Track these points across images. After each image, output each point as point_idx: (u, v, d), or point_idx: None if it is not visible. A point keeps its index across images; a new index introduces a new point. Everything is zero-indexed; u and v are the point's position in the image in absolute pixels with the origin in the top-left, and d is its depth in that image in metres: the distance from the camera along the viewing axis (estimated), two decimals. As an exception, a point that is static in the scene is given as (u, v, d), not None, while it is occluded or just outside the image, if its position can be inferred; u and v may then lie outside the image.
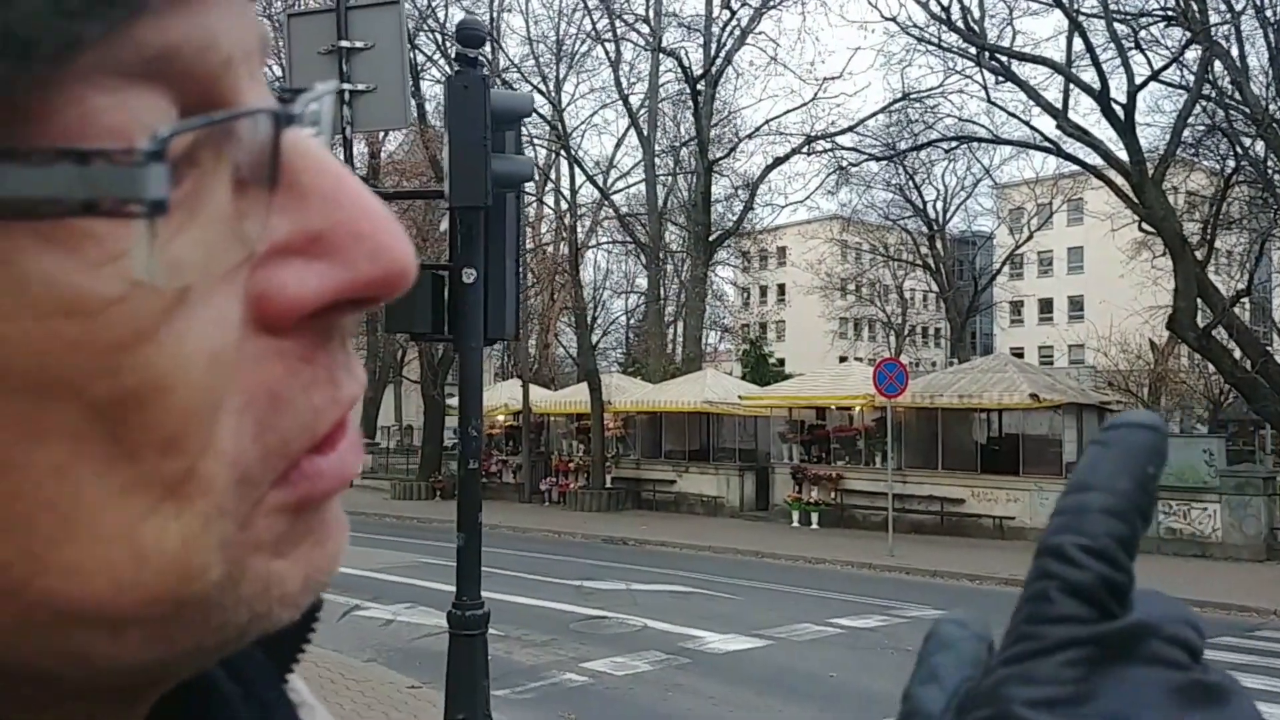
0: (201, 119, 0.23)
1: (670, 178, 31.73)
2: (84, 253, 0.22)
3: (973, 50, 21.12)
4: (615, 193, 31.37)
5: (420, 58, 23.80)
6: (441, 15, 24.71)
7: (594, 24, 28.23)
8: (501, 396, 26.34)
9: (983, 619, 0.40)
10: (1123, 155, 18.59)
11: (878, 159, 27.06)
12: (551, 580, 13.53)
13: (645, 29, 27.87)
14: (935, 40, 22.58)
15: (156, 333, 0.23)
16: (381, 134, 22.21)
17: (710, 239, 27.48)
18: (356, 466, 0.28)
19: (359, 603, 11.50)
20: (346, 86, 5.17)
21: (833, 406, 21.42)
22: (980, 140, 25.41)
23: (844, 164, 27.41)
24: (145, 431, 0.23)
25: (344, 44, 5.19)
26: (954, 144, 25.64)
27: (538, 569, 14.37)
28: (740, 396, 22.65)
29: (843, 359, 36.47)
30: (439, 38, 24.25)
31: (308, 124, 0.27)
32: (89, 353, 0.22)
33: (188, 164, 0.23)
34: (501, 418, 26.68)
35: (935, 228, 35.03)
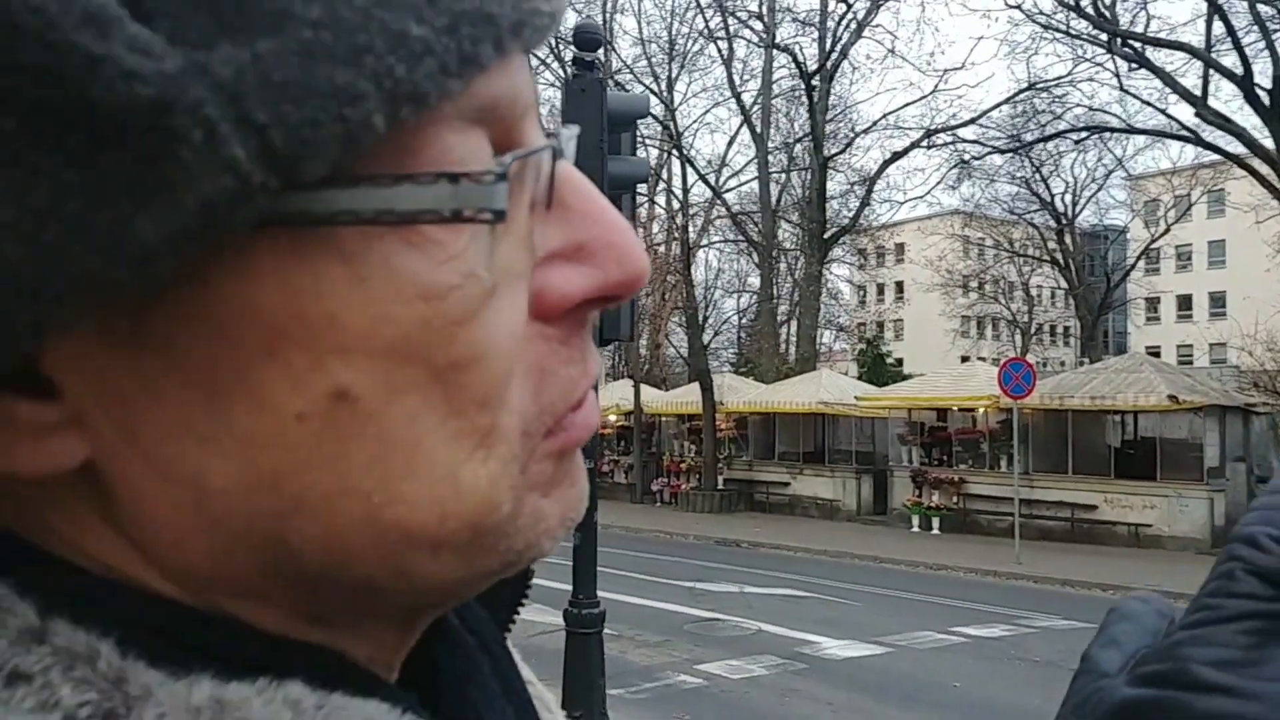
0: (523, 150, 0.30)
1: (784, 174, 31.34)
2: (433, 253, 0.28)
3: (1103, 37, 20.21)
4: (727, 191, 31.21)
5: (534, 61, 24.13)
6: (556, 18, 24.94)
7: (706, 22, 28.15)
8: (612, 397, 26.45)
9: (1165, 600, 0.44)
10: (1268, 143, 17.49)
11: (1002, 151, 26.16)
12: (664, 581, 13.48)
13: (758, 25, 27.64)
14: (1063, 27, 21.72)
15: (479, 314, 0.29)
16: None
17: (825, 236, 27.02)
18: (597, 419, 0.35)
19: (476, 599, 11.67)
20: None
21: (955, 408, 20.78)
22: (1112, 130, 24.30)
23: (966, 157, 26.63)
24: (467, 391, 0.29)
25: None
26: (1084, 134, 24.60)
27: (650, 569, 14.35)
28: (857, 397, 22.19)
29: (965, 359, 35.43)
30: (553, 41, 24.50)
31: (571, 150, 0.34)
32: (434, 327, 0.28)
33: (517, 182, 0.30)
34: (613, 418, 26.79)
35: (1064, 222, 33.60)
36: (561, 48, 24.86)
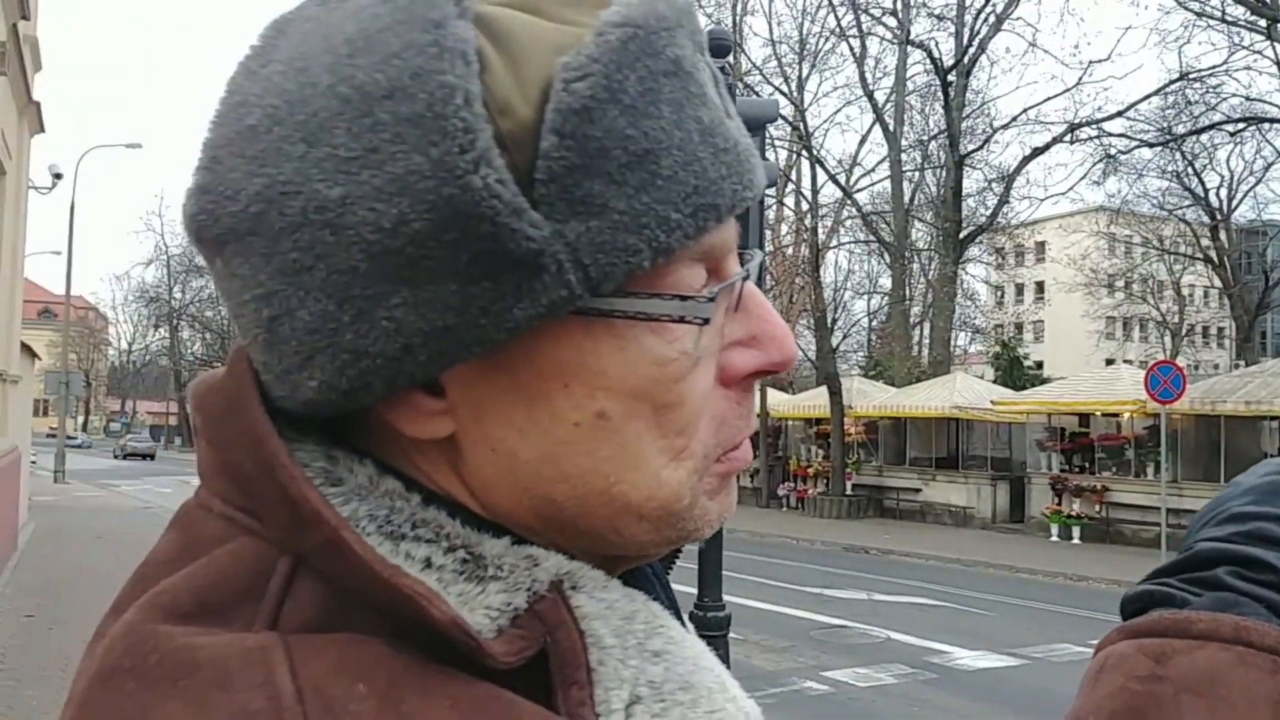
0: (727, 283, 0.48)
1: (917, 173, 30.66)
2: (665, 337, 0.45)
3: (1262, 23, 19.06)
4: (858, 191, 30.68)
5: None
6: (685, 22, 25.00)
7: (839, 20, 27.72)
8: (741, 399, 26.27)
9: None
10: None
11: (1151, 145, 24.97)
12: (790, 586, 13.38)
13: (892, 22, 27.09)
14: (1218, 14, 20.58)
15: (686, 377, 0.46)
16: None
17: (961, 235, 26.32)
18: (750, 457, 0.51)
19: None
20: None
21: (1098, 413, 19.93)
22: (1271, 120, 22.90)
23: (1112, 152, 25.48)
24: (672, 423, 0.46)
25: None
26: (1240, 125, 23.27)
27: (775, 574, 14.27)
28: (993, 401, 21.53)
29: (1109, 361, 33.91)
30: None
31: (755, 274, 0.52)
32: (659, 382, 0.45)
33: (718, 301, 0.47)
34: (740, 420, 26.62)
35: (1218, 217, 31.74)
36: (690, 51, 24.84)
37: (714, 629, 5.77)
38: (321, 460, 0.46)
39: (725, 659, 5.75)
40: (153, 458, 49.76)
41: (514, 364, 0.44)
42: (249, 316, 0.45)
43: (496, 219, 0.40)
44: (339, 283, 0.42)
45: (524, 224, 0.41)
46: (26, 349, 16.36)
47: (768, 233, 25.11)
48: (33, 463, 35.67)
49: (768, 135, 7.24)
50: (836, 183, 27.20)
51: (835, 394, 23.17)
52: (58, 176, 25.18)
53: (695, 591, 5.86)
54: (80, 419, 71.91)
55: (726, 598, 5.97)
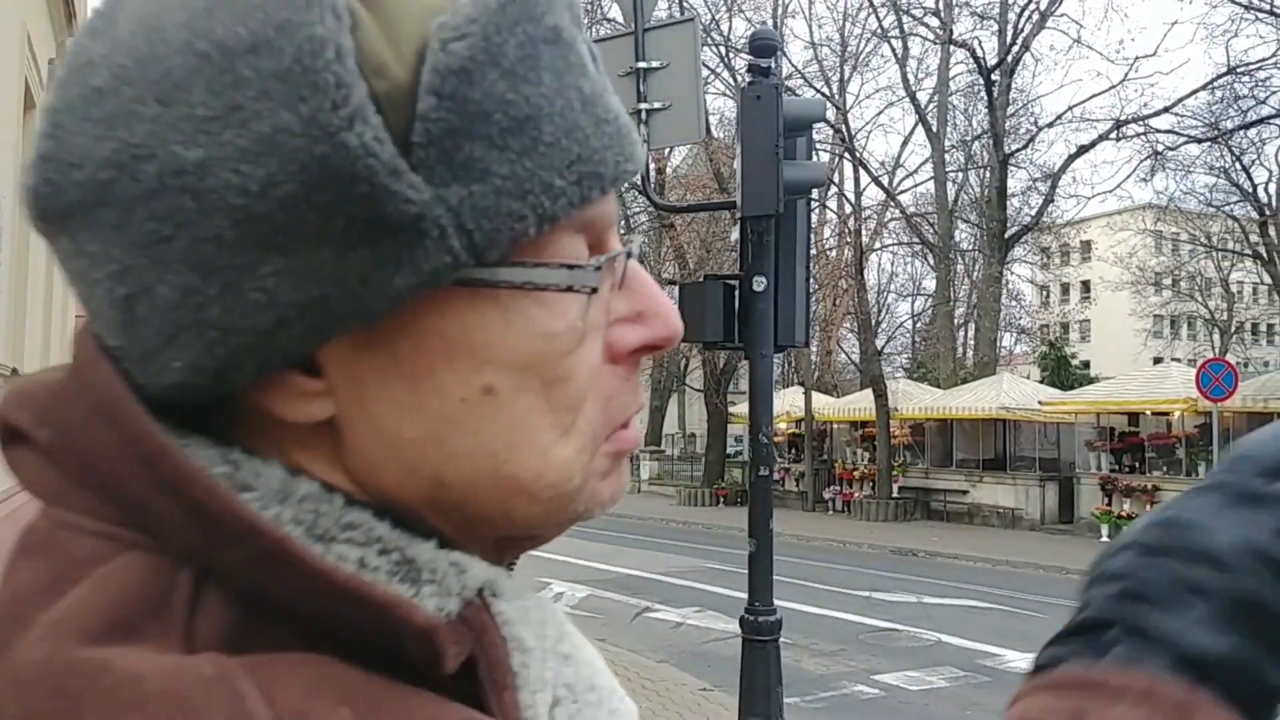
0: (612, 253, 0.47)
1: (961, 174, 30.42)
2: (552, 309, 0.44)
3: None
4: (902, 192, 30.51)
5: (704, 71, 24.28)
6: (725, 28, 25.15)
7: (880, 21, 27.60)
8: (783, 404, 26.26)
9: None
10: None
11: (1199, 141, 24.57)
12: (838, 590, 13.35)
13: (935, 22, 26.90)
14: (1266, 7, 20.21)
15: (574, 350, 0.45)
16: (667, 150, 22.84)
17: (1006, 235, 26.07)
18: (638, 439, 0.50)
19: (649, 605, 11.89)
20: (644, 106, 5.38)
21: (1147, 412, 19.69)
22: (1325, 113, 22.41)
23: (1159, 148, 25.13)
24: (562, 399, 0.45)
25: (641, 65, 5.41)
26: (1291, 119, 22.79)
27: (823, 578, 14.24)
28: (1041, 402, 21.32)
29: (1157, 360, 33.39)
30: (723, 50, 24.68)
31: (636, 252, 0.51)
32: (547, 355, 0.44)
33: (604, 272, 0.47)
34: (783, 425, 26.60)
35: (1268, 213, 31.06)
36: (732, 57, 24.97)
37: (765, 634, 5.78)
38: (221, 464, 0.43)
39: (777, 664, 5.79)
40: None
41: (395, 339, 0.43)
42: (102, 298, 0.42)
43: (374, 179, 0.38)
44: (203, 253, 0.39)
45: (403, 185, 0.39)
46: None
47: (811, 236, 25.06)
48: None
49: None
50: (880, 185, 27.05)
51: (880, 396, 23.05)
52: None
53: (745, 596, 5.89)
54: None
55: (775, 602, 5.98)
